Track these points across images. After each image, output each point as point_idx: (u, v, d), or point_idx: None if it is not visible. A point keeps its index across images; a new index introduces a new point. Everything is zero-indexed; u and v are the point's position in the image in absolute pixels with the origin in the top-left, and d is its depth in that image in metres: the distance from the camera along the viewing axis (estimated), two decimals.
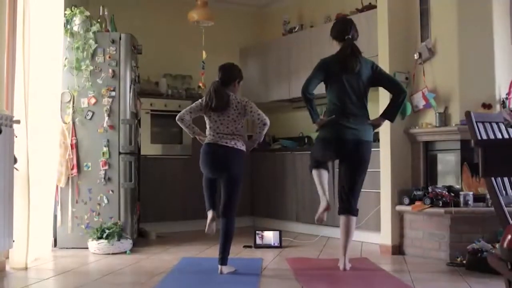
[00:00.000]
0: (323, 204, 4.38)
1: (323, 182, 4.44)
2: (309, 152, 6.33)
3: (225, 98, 4.21)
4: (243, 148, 4.26)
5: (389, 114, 4.39)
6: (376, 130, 4.54)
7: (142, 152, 6.24)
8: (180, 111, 6.65)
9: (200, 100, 4.37)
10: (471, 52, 4.89)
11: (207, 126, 4.32)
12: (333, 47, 4.42)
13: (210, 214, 4.24)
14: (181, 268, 4.41)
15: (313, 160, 4.53)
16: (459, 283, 3.85)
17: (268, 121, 4.25)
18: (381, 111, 4.49)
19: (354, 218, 4.32)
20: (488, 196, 4.64)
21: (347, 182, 4.32)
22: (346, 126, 4.22)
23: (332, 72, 4.28)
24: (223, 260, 4.17)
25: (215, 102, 4.19)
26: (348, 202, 4.31)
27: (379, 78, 4.37)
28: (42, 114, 4.79)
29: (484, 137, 3.13)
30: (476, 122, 2.94)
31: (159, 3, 7.31)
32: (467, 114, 3.26)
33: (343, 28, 4.34)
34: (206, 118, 4.32)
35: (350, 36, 4.28)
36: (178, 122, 4.37)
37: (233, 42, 7.86)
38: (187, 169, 6.66)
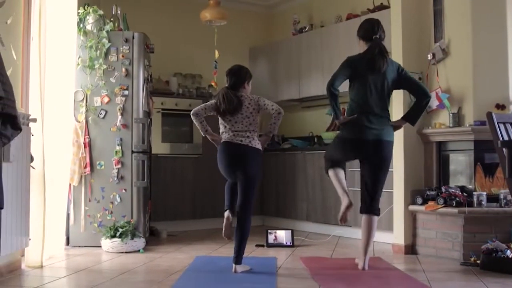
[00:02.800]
0: (345, 203, 4.37)
1: (341, 180, 4.43)
2: (321, 151, 6.40)
3: (235, 101, 4.24)
4: (259, 146, 4.27)
5: (411, 117, 4.40)
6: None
7: (153, 151, 6.25)
8: (191, 110, 6.77)
9: (215, 100, 4.37)
10: (485, 52, 4.90)
11: (221, 126, 4.34)
12: (359, 46, 4.41)
13: (226, 214, 4.25)
14: (196, 267, 4.42)
15: (329, 160, 4.53)
16: (475, 283, 3.86)
17: (282, 110, 4.30)
18: (396, 114, 4.50)
19: (376, 218, 4.34)
20: (501, 197, 4.66)
21: (370, 182, 4.32)
22: (367, 127, 4.22)
23: (358, 70, 4.26)
24: (238, 259, 4.19)
25: (224, 106, 4.23)
26: (370, 202, 4.32)
27: (404, 81, 4.36)
28: (55, 112, 4.80)
29: (506, 138, 3.15)
30: (498, 123, 2.96)
31: (169, 2, 7.33)
32: (489, 115, 3.28)
33: (371, 28, 4.32)
34: (220, 119, 4.35)
35: (377, 36, 4.27)
36: (192, 117, 4.38)
37: (243, 42, 7.89)
38: (198, 168, 6.69)
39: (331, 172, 4.48)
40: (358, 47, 4.42)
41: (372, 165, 4.31)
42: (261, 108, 4.31)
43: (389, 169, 5.09)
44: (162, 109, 6.61)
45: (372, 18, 4.50)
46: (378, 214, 4.34)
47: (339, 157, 4.48)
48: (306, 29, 7.22)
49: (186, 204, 6.64)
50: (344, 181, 4.47)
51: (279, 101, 7.40)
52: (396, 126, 4.41)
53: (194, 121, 4.40)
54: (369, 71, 4.23)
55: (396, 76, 4.31)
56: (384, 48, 4.25)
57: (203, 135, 4.47)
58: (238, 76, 4.37)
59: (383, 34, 4.33)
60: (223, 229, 4.23)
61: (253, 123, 4.27)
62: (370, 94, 4.24)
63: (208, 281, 3.88)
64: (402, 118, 4.46)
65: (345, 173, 4.55)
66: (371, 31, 4.31)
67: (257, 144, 4.26)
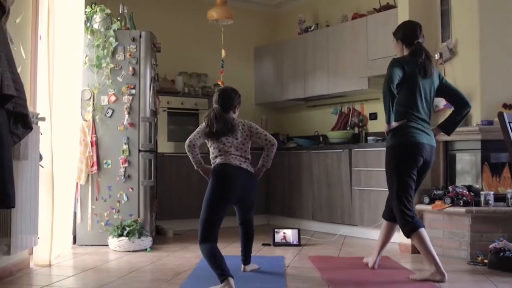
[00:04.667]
0: (438, 277, 3.88)
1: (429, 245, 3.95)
2: (327, 151, 6.40)
3: (229, 121, 3.94)
4: (253, 170, 4.06)
5: (449, 126, 4.26)
6: None
7: (159, 150, 6.26)
8: (196, 109, 6.83)
9: (202, 124, 4.06)
10: (492, 52, 4.91)
11: (212, 151, 4.00)
12: (396, 48, 4.23)
13: (231, 281, 3.51)
14: (204, 266, 4.36)
15: (399, 186, 3.99)
16: (484, 282, 3.87)
17: (275, 142, 4.08)
18: None
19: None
20: (509, 196, 4.67)
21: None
22: (421, 130, 4.01)
23: (408, 73, 4.01)
24: (247, 261, 4.23)
25: (216, 127, 3.90)
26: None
27: (445, 89, 4.20)
28: (63, 111, 4.81)
29: None
30: (509, 122, 2.96)
31: (174, 1, 7.33)
32: (500, 115, 3.28)
33: (412, 31, 4.13)
34: (210, 143, 4.01)
35: (420, 41, 4.11)
36: (188, 149, 4.00)
37: (248, 41, 7.90)
38: None
39: (418, 233, 3.90)
40: (395, 49, 4.25)
41: (420, 170, 4.05)
42: (253, 135, 4.04)
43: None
44: (168, 108, 6.63)
45: (413, 21, 4.25)
46: None
47: (407, 170, 3.99)
48: (312, 29, 7.22)
49: (191, 203, 6.63)
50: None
51: (284, 100, 7.44)
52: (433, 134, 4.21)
53: (188, 153, 4.01)
54: (419, 75, 4.03)
55: (438, 83, 4.16)
56: (430, 53, 4.11)
57: (196, 168, 4.07)
58: (231, 99, 4.04)
59: (423, 38, 4.15)
60: None
61: (247, 151, 4.01)
62: (420, 99, 4.04)
63: (217, 281, 3.86)
64: (438, 126, 4.31)
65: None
66: (414, 34, 4.11)
67: (251, 169, 4.02)
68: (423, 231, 3.92)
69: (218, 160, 3.94)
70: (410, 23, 4.27)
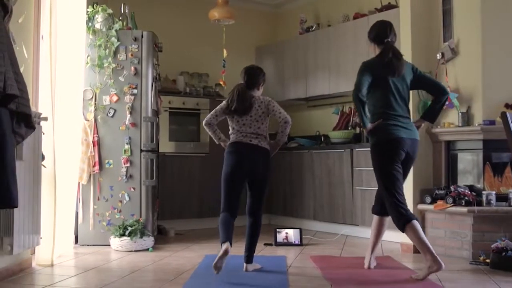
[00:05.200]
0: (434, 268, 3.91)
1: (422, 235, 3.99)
2: (328, 150, 6.41)
3: (248, 101, 4.16)
4: (268, 147, 4.23)
5: (431, 115, 4.33)
6: None
7: (160, 150, 6.25)
8: (198, 109, 6.83)
9: (224, 101, 4.30)
10: (494, 52, 4.91)
11: (230, 128, 4.28)
12: (370, 49, 4.32)
13: (224, 246, 3.79)
14: (206, 266, 4.40)
15: (386, 180, 4.07)
16: (486, 282, 3.87)
17: (290, 119, 4.22)
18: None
19: (387, 218, 4.32)
20: (511, 196, 4.67)
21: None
22: (400, 126, 4.08)
23: (377, 75, 4.11)
24: (249, 258, 4.20)
25: (236, 105, 4.14)
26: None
27: (420, 80, 4.29)
28: (64, 111, 4.80)
29: None
30: None
31: (175, 1, 7.33)
32: (503, 114, 3.29)
33: (382, 31, 4.21)
34: (229, 120, 4.28)
35: (389, 40, 4.18)
36: (205, 127, 4.34)
37: (249, 41, 7.90)
38: (205, 167, 6.70)
39: (411, 225, 3.95)
40: (369, 49, 4.34)
41: (403, 164, 4.11)
42: (270, 112, 4.22)
43: None
44: (170, 108, 6.63)
45: (384, 20, 4.39)
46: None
47: (389, 163, 4.06)
48: (313, 28, 7.22)
49: (193, 203, 6.67)
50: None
51: (286, 100, 7.44)
52: (416, 126, 4.29)
53: (207, 130, 4.35)
54: (388, 74, 4.12)
55: (412, 77, 4.24)
56: (398, 51, 4.19)
57: (217, 143, 4.45)
58: (256, 76, 4.29)
59: (394, 37, 4.24)
60: (216, 260, 3.73)
61: (262, 127, 4.20)
62: (394, 98, 4.12)
63: (220, 280, 3.88)
64: (422, 117, 4.38)
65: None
66: (383, 34, 4.19)
67: (266, 145, 4.21)
68: (416, 223, 3.97)
69: (231, 138, 4.24)
70: (381, 22, 4.36)
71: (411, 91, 4.42)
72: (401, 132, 4.07)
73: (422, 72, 4.38)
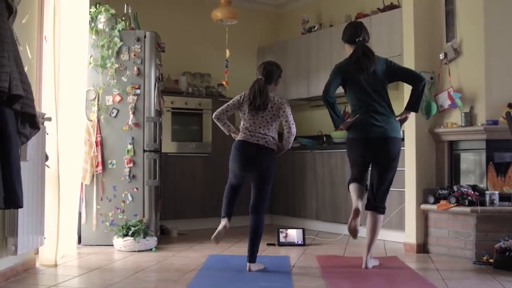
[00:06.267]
0: (353, 208, 4.25)
1: (357, 191, 4.33)
2: (331, 150, 6.43)
3: (267, 96, 4.18)
4: (274, 147, 4.25)
5: (412, 104, 4.38)
6: (403, 129, 4.55)
7: (163, 150, 6.26)
8: (200, 109, 6.84)
9: (238, 96, 4.33)
10: (497, 52, 4.91)
11: (241, 123, 4.31)
12: (346, 51, 4.45)
13: (223, 221, 4.19)
14: (210, 266, 4.43)
15: (352, 169, 4.47)
16: (490, 282, 3.87)
17: (294, 131, 4.27)
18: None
19: (381, 216, 4.35)
20: None
21: (376, 180, 4.32)
22: (372, 124, 4.22)
23: (348, 75, 4.30)
24: (252, 257, 4.19)
25: (259, 101, 4.15)
26: (374, 199, 4.32)
27: (395, 72, 4.38)
28: (68, 111, 4.81)
29: None
30: None
31: (178, 1, 7.33)
32: (508, 114, 3.30)
33: (354, 31, 4.36)
34: (241, 115, 4.31)
35: (361, 38, 4.31)
36: (215, 120, 4.41)
37: (252, 41, 7.90)
38: (207, 167, 6.71)
39: (351, 187, 4.38)
40: (345, 51, 4.46)
41: (379, 163, 4.29)
42: (280, 116, 4.23)
43: (401, 168, 5.14)
44: (172, 108, 6.63)
45: (355, 21, 4.58)
46: (383, 213, 4.35)
47: (352, 158, 4.44)
48: (315, 29, 7.22)
49: (195, 203, 6.67)
50: (359, 193, 4.35)
51: (288, 100, 7.37)
52: (402, 119, 4.40)
53: (217, 123, 4.44)
54: (358, 72, 4.25)
55: (385, 70, 4.32)
56: (368, 49, 4.28)
57: (227, 135, 4.52)
58: (274, 71, 4.32)
59: (366, 36, 4.38)
60: (216, 233, 4.15)
61: (271, 128, 4.22)
62: (368, 95, 4.25)
63: (223, 280, 3.89)
64: (405, 109, 4.43)
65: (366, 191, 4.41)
66: (354, 34, 4.34)
67: (273, 145, 4.23)
68: (354, 184, 4.32)
69: (239, 134, 4.28)
70: (352, 23, 4.54)
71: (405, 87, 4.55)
72: (367, 132, 4.23)
73: (396, 64, 4.46)
